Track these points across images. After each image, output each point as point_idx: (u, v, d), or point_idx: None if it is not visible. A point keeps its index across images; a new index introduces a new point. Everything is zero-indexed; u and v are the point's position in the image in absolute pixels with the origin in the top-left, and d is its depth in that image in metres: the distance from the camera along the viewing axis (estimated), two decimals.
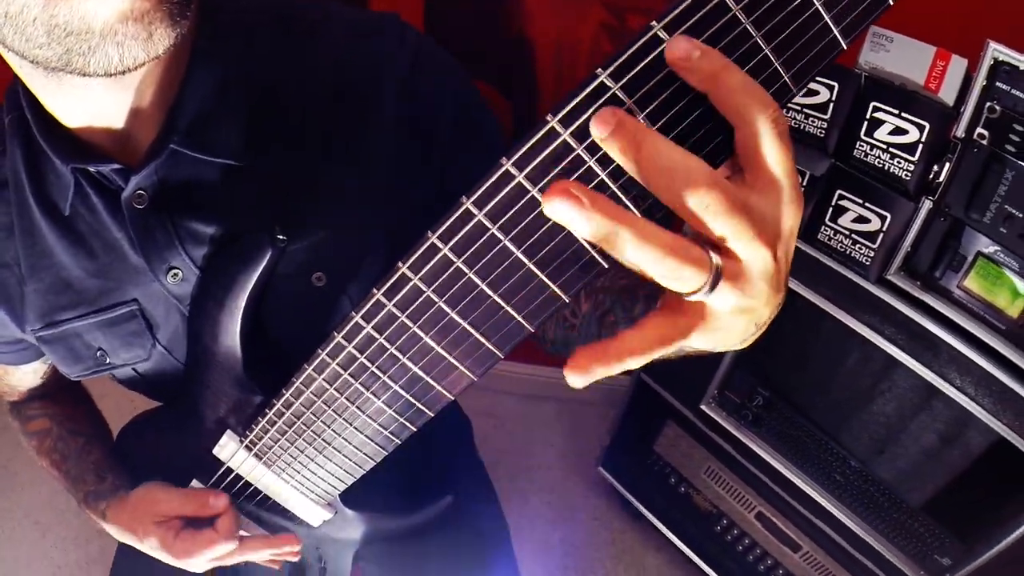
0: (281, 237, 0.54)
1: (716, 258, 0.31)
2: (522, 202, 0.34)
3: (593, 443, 1.87)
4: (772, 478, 1.31)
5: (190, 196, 0.55)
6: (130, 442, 0.79)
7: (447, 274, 0.38)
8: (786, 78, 0.32)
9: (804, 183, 1.05)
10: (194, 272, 0.58)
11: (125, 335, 0.62)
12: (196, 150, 0.53)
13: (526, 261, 0.36)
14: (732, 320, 0.34)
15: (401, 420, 0.50)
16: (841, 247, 1.03)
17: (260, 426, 0.59)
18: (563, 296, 0.37)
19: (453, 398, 0.46)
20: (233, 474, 0.65)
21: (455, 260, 0.38)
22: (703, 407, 1.34)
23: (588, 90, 0.31)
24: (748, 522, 1.43)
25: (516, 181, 0.34)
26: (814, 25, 0.31)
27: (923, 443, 1.12)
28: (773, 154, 0.30)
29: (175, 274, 0.57)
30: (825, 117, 1.00)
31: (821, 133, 1.01)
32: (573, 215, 0.29)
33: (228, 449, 0.63)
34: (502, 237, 0.36)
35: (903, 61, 0.93)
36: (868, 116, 0.96)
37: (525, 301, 0.38)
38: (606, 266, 0.36)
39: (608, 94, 0.31)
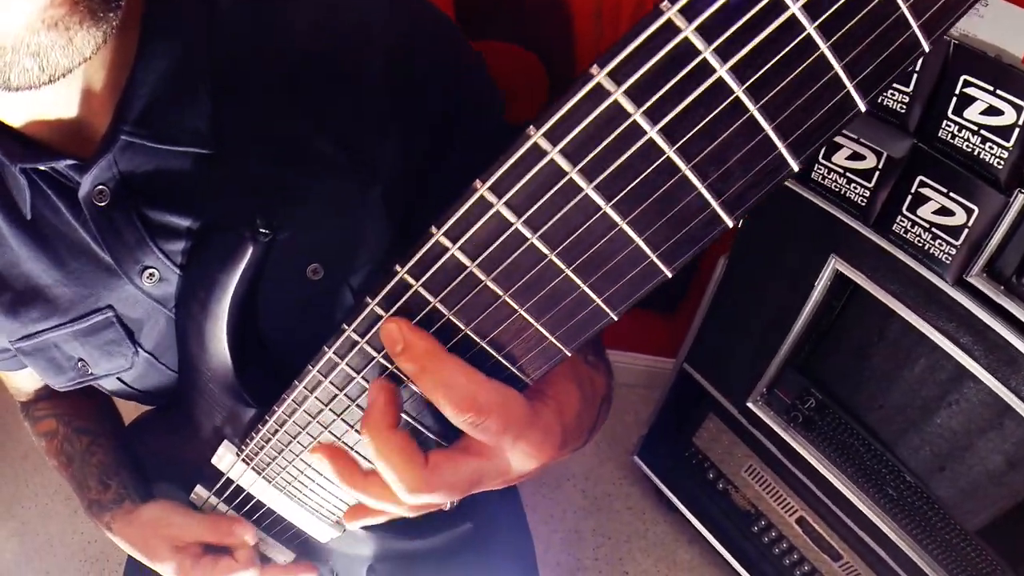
0: (264, 231, 0.47)
1: None
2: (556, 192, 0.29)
3: (630, 428, 1.81)
4: (818, 485, 1.23)
5: (159, 188, 0.49)
6: (139, 438, 0.74)
7: (457, 280, 0.32)
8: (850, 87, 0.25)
9: (880, 165, 0.94)
10: (173, 271, 0.52)
11: (103, 344, 0.57)
12: (153, 139, 0.47)
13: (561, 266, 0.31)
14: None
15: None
16: (919, 241, 0.92)
17: (256, 440, 0.53)
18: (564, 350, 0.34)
19: None
20: (234, 485, 0.61)
21: (468, 264, 0.31)
22: (750, 404, 1.25)
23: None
24: (788, 525, 1.36)
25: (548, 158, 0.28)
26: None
27: (988, 464, 1.02)
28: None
29: (151, 274, 0.52)
30: (907, 90, 0.88)
31: (902, 108, 0.90)
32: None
33: (226, 460, 0.58)
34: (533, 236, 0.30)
35: (1000, 28, 0.81)
36: (957, 92, 0.84)
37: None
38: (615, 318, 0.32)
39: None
